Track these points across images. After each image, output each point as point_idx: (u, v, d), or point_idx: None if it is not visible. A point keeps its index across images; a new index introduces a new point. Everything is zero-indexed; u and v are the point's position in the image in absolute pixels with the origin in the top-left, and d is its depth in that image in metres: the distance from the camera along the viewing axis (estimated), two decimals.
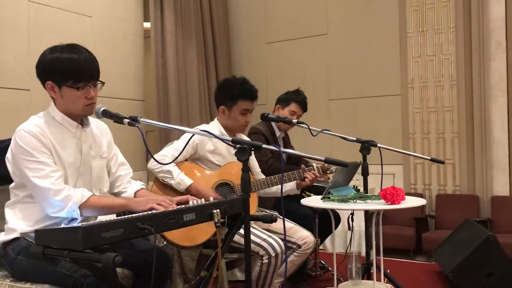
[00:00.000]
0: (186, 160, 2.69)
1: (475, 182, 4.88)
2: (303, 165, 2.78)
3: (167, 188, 2.54)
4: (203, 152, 2.67)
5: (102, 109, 1.87)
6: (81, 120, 1.98)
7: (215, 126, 2.78)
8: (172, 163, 2.50)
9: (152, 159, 2.51)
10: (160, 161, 2.28)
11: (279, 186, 2.75)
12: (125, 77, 4.97)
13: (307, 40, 5.84)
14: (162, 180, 2.53)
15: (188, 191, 2.51)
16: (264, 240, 2.49)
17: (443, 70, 5.10)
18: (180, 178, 2.51)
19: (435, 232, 4.71)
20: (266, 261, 2.47)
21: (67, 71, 1.83)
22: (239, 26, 6.32)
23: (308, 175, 2.71)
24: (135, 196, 2.13)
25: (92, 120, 2.06)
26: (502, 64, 4.78)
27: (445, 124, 5.08)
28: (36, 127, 1.85)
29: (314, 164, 2.80)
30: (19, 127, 1.87)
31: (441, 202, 4.99)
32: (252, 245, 2.46)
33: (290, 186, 2.85)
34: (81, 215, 1.85)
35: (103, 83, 1.94)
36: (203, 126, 2.79)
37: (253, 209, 2.65)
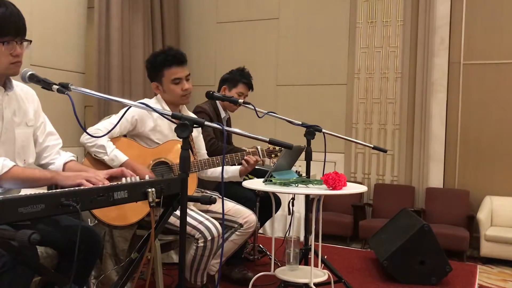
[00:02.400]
0: (124, 136, 2.53)
1: (412, 173, 5.04)
2: (247, 149, 2.71)
3: (99, 164, 2.37)
4: (142, 129, 2.52)
5: (29, 72, 1.69)
6: (4, 83, 1.79)
7: (157, 102, 2.63)
8: (107, 138, 2.35)
9: (89, 129, 2.35)
10: (93, 135, 2.12)
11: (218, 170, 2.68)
12: (66, 47, 4.68)
13: (259, 23, 5.76)
14: (95, 155, 2.36)
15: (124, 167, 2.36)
16: (200, 222, 2.41)
17: (389, 62, 5.19)
18: (114, 154, 2.34)
19: (372, 221, 4.83)
20: (202, 244, 2.39)
21: None
22: (190, 3, 6.13)
23: (249, 158, 2.64)
24: (63, 169, 1.96)
25: (17, 84, 1.87)
26: (444, 60, 4.93)
27: (387, 116, 5.19)
28: None
29: (258, 147, 2.73)
30: None
31: (378, 191, 5.11)
32: (188, 228, 2.38)
33: (232, 173, 2.77)
34: (0, 186, 1.69)
35: (30, 41, 1.76)
36: (145, 101, 2.62)
37: (192, 190, 2.55)
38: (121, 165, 2.32)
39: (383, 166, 5.22)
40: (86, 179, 1.67)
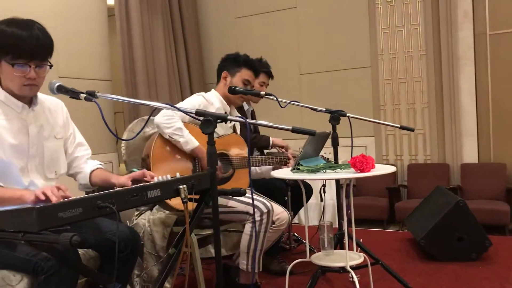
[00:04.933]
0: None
1: (445, 150, 4.95)
2: (273, 139, 2.81)
3: (169, 147, 2.47)
4: None
5: (57, 84, 1.77)
6: (30, 100, 1.86)
7: (214, 95, 2.79)
8: (181, 123, 2.47)
9: (161, 113, 2.46)
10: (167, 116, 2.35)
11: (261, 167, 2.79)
12: (91, 57, 4.80)
13: (277, 14, 5.76)
14: (170, 137, 2.44)
15: (194, 152, 2.49)
16: (254, 200, 2.50)
17: (412, 40, 5.10)
18: (190, 137, 2.47)
19: (408, 202, 4.78)
20: (259, 218, 2.48)
21: (5, 45, 1.70)
22: (207, 1, 6.18)
23: (292, 161, 2.78)
24: (90, 177, 2.03)
25: (45, 98, 1.94)
26: (469, 33, 4.81)
27: (415, 95, 5.11)
28: None
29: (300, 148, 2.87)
30: None
31: (412, 171, 5.05)
32: (241, 206, 2.50)
33: (266, 170, 2.87)
34: None
35: (50, 65, 1.80)
36: (203, 94, 2.78)
37: (245, 185, 2.63)
38: (193, 149, 2.46)
39: (415, 146, 5.15)
40: (42, 191, 1.56)
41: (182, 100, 2.77)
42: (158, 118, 2.47)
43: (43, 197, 1.54)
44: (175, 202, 2.29)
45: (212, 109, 2.62)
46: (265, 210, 2.49)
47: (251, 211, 2.48)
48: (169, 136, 2.44)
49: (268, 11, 5.81)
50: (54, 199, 1.51)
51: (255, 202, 2.50)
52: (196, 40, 6.01)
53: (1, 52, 1.71)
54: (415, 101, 5.11)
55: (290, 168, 2.53)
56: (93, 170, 2.04)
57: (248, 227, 2.51)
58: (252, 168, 2.86)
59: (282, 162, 2.82)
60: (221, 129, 2.66)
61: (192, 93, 5.41)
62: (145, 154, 2.46)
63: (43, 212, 1.32)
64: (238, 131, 2.91)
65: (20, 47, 1.70)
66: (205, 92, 2.82)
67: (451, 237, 3.32)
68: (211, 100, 2.71)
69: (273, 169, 2.86)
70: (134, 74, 5.07)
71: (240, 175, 2.65)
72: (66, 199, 1.45)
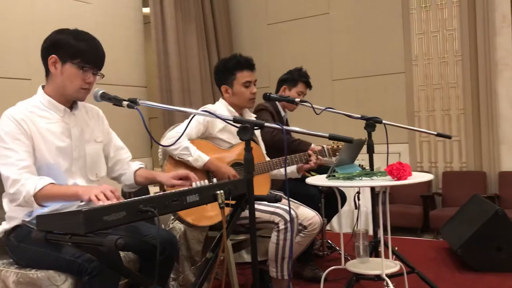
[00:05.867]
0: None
1: (482, 158, 4.83)
2: (312, 147, 2.77)
3: (180, 166, 2.48)
4: (212, 130, 2.65)
5: (101, 92, 1.84)
6: (70, 104, 1.95)
7: (221, 105, 2.76)
8: (188, 140, 2.49)
9: (166, 136, 2.50)
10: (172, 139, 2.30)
11: (280, 169, 2.75)
12: (127, 64, 4.93)
13: (309, 20, 5.76)
14: (179, 157, 2.48)
15: (206, 166, 2.49)
16: (277, 208, 2.50)
17: (447, 46, 5.02)
18: (198, 154, 2.48)
19: (443, 210, 4.69)
20: (283, 226, 2.47)
21: (78, 50, 1.83)
22: (239, 8, 6.25)
23: (313, 157, 2.70)
24: (134, 177, 2.12)
25: (83, 104, 2.03)
26: (507, 38, 4.70)
27: (450, 101, 5.02)
28: (20, 113, 1.83)
29: (324, 146, 2.79)
30: (5, 111, 1.85)
31: (447, 179, 4.95)
32: (267, 215, 2.50)
33: (290, 170, 2.84)
34: (39, 205, 1.74)
35: (103, 75, 1.93)
36: (209, 106, 2.76)
37: (266, 191, 2.63)
38: (204, 164, 2.47)
39: (450, 153, 5.05)
40: (101, 190, 1.63)
41: None
42: (165, 142, 2.52)
43: (96, 201, 1.59)
44: (191, 218, 2.35)
45: (217, 120, 2.60)
46: (289, 219, 2.47)
47: (276, 220, 2.48)
48: (178, 157, 2.48)
49: (300, 17, 5.82)
50: (107, 202, 1.57)
51: (278, 211, 2.48)
52: (229, 47, 6.08)
53: (70, 56, 1.84)
54: (451, 107, 5.02)
55: (325, 176, 2.53)
56: (136, 170, 2.14)
57: (273, 235, 2.51)
58: (275, 171, 2.82)
59: (302, 161, 2.77)
60: (232, 137, 2.65)
61: None
62: None
63: (89, 215, 1.36)
64: (259, 137, 2.91)
65: (90, 55, 1.85)
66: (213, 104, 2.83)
67: (489, 246, 3.24)
68: (218, 112, 2.69)
69: (297, 169, 2.83)
70: (169, 80, 5.16)
71: (259, 182, 2.61)
72: (110, 203, 1.49)
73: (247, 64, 2.71)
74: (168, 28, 5.15)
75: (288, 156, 2.75)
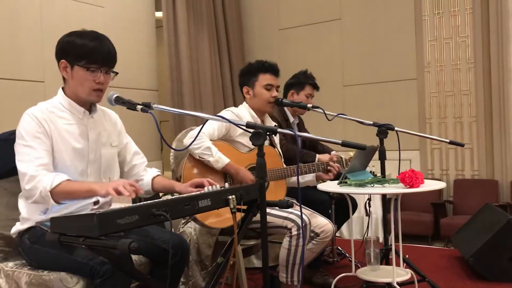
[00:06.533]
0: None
1: (494, 166, 4.79)
2: (332, 156, 2.77)
3: (200, 166, 2.48)
4: (233, 133, 2.66)
5: (115, 95, 1.85)
6: (89, 107, 1.96)
7: (244, 109, 2.78)
8: (210, 141, 2.49)
9: (188, 135, 2.51)
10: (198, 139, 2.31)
11: (303, 176, 2.76)
12: (139, 67, 4.97)
13: (321, 25, 5.76)
14: (200, 157, 2.46)
15: (226, 169, 2.49)
16: (290, 213, 2.49)
17: (460, 53, 4.99)
18: (219, 155, 2.47)
19: (453, 218, 4.64)
20: (296, 232, 2.45)
21: (82, 51, 1.83)
22: (251, 13, 6.26)
23: (333, 168, 2.71)
24: (152, 184, 2.12)
25: (101, 108, 2.05)
26: None
27: (462, 108, 4.99)
28: (41, 112, 1.85)
29: (342, 156, 2.80)
30: (27, 110, 1.86)
31: (459, 187, 4.91)
32: (280, 220, 2.49)
33: (308, 178, 2.84)
34: (56, 202, 1.75)
35: (116, 73, 1.92)
36: (232, 109, 2.79)
37: (282, 197, 2.63)
38: (224, 166, 2.46)
39: (462, 161, 5.01)
40: (114, 186, 1.66)
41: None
42: (187, 140, 2.51)
43: (115, 194, 1.62)
44: (210, 221, 2.34)
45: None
46: (302, 224, 2.46)
47: (289, 226, 2.47)
48: (199, 156, 2.47)
49: (312, 23, 5.82)
50: (126, 194, 1.61)
51: (292, 216, 2.48)
52: (240, 51, 6.09)
53: (76, 58, 1.84)
54: (463, 114, 4.99)
55: (337, 182, 2.52)
56: (154, 178, 2.14)
57: (286, 241, 2.50)
58: (293, 179, 2.82)
59: (319, 169, 2.76)
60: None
61: (235, 104, 5.49)
62: (178, 175, 2.51)
63: (103, 218, 1.37)
64: (277, 141, 2.91)
65: (95, 54, 1.83)
66: (236, 106, 2.84)
67: (502, 256, 3.20)
68: (241, 115, 2.72)
69: (316, 177, 2.83)
70: (181, 84, 5.19)
71: (276, 187, 2.63)
72: (123, 207, 1.50)
73: (271, 69, 2.79)
74: (180, 32, 5.18)
75: (306, 165, 2.77)
